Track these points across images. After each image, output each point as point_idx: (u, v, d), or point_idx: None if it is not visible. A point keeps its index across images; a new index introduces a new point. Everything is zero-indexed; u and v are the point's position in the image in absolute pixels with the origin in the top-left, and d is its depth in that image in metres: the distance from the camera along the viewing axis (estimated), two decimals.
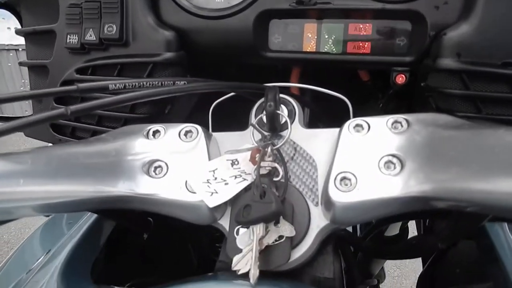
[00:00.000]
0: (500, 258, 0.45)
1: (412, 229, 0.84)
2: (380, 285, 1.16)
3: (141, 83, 0.33)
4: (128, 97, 0.30)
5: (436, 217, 0.56)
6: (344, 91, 0.51)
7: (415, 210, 0.31)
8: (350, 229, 0.77)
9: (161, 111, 0.51)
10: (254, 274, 0.31)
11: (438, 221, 0.59)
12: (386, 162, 0.33)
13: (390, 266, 2.08)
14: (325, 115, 0.55)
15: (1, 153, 0.37)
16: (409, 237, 0.73)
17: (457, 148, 0.29)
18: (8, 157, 0.36)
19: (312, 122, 0.58)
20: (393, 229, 0.72)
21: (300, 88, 0.55)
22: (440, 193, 0.28)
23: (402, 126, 0.34)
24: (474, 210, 0.27)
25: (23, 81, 0.63)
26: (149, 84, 0.33)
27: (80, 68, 0.50)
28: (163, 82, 0.34)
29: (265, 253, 0.34)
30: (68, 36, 0.50)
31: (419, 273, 0.72)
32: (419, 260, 0.74)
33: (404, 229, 0.67)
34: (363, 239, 0.60)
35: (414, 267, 2.03)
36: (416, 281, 0.73)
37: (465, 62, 0.39)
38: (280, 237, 0.35)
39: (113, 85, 0.31)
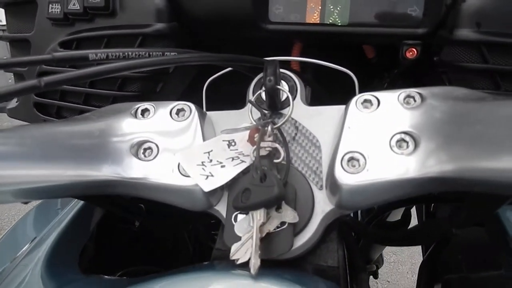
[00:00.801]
0: None
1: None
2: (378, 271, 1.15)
3: (126, 53, 0.29)
4: (110, 67, 0.26)
5: (444, 202, 0.53)
6: (348, 69, 0.48)
7: (435, 191, 0.28)
8: (351, 214, 0.74)
9: (152, 89, 0.48)
10: (254, 263, 0.28)
11: (442, 206, 0.57)
12: (398, 141, 0.29)
13: (387, 252, 2.07)
14: (329, 93, 0.51)
15: None
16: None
17: (482, 121, 0.26)
18: None
19: (315, 101, 0.54)
20: (395, 216, 0.69)
21: (302, 65, 0.52)
22: (463, 173, 0.25)
23: (415, 100, 0.31)
24: (499, 191, 0.24)
25: (4, 57, 0.59)
26: (135, 55, 0.30)
27: (63, 41, 0.47)
28: (151, 53, 0.30)
29: (265, 240, 0.31)
30: (50, 5, 0.46)
31: (416, 260, 0.70)
32: (415, 247, 0.72)
33: (406, 215, 0.65)
34: (367, 225, 0.57)
35: (410, 253, 2.03)
36: (413, 267, 0.71)
37: (485, 32, 0.35)
38: (282, 223, 0.32)
39: (94, 55, 0.28)
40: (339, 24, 0.43)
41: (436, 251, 0.67)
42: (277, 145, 0.35)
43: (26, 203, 0.64)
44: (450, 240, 0.65)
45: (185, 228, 0.69)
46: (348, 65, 0.48)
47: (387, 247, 2.06)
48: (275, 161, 0.35)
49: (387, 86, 0.57)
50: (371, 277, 1.07)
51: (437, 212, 0.62)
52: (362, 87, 0.60)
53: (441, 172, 0.26)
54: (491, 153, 0.24)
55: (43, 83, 0.24)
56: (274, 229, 0.31)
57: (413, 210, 0.81)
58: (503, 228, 0.43)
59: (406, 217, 0.61)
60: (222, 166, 0.34)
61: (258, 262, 0.28)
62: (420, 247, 0.80)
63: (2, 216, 2.50)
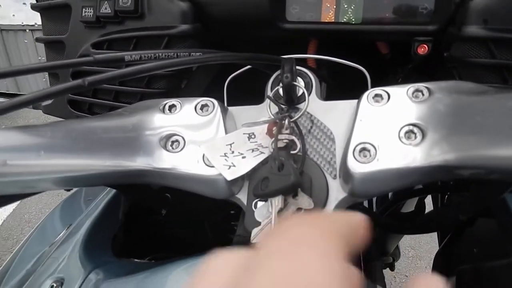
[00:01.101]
0: None
1: (429, 207, 0.83)
2: (395, 264, 1.16)
3: (157, 55, 0.32)
4: (144, 67, 0.30)
5: (454, 191, 0.55)
6: (362, 65, 0.50)
7: (437, 180, 0.30)
8: (366, 204, 0.76)
9: (177, 86, 0.51)
10: None
11: (456, 195, 0.58)
12: (406, 132, 0.32)
13: (405, 247, 2.07)
14: (343, 88, 0.53)
15: (20, 126, 0.37)
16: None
17: (483, 113, 0.28)
18: (27, 129, 0.37)
19: (330, 96, 0.57)
20: (409, 206, 0.71)
21: (317, 62, 0.54)
22: (464, 161, 0.27)
23: (423, 94, 0.33)
24: (500, 177, 0.26)
25: (39, 58, 0.64)
26: (165, 56, 0.33)
27: (96, 43, 0.50)
28: (179, 54, 0.33)
29: None
30: (83, 9, 0.49)
31: (435, 253, 0.72)
32: (434, 241, 0.73)
33: (420, 206, 0.66)
34: (380, 215, 0.60)
35: (429, 248, 2.02)
36: (432, 262, 0.72)
37: (493, 29, 0.37)
38: (299, 209, 0.34)
39: (129, 56, 0.31)
40: (353, 22, 0.45)
41: (450, 242, 0.68)
42: (293, 137, 0.37)
43: (68, 190, 0.68)
44: (464, 231, 0.66)
45: (207, 218, 0.72)
46: (362, 61, 0.50)
47: (405, 241, 2.06)
48: (292, 152, 0.37)
49: (401, 81, 0.59)
50: (388, 270, 1.09)
51: (451, 201, 0.63)
52: (377, 82, 0.62)
53: (444, 161, 0.28)
54: (489, 142, 0.26)
55: (87, 82, 0.28)
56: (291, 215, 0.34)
57: (429, 201, 0.83)
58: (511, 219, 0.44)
59: (420, 207, 0.63)
60: (243, 157, 0.37)
61: None
62: (437, 241, 0.81)
63: (30, 209, 2.60)
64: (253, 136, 0.39)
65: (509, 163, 0.25)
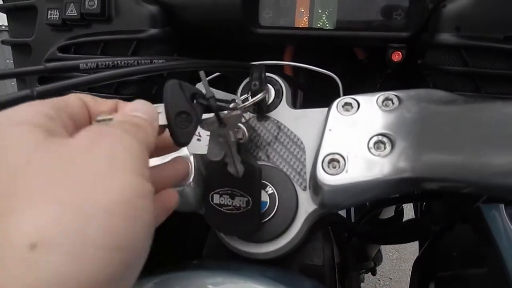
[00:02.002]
0: (496, 242, 0.44)
1: (409, 210, 0.82)
2: (378, 268, 1.15)
3: (116, 62, 0.31)
4: (98, 77, 0.28)
5: (429, 200, 0.54)
6: (340, 71, 0.49)
7: (406, 192, 0.29)
8: (344, 213, 0.75)
9: (147, 92, 0.49)
10: None
11: (435, 203, 0.58)
12: (376, 142, 0.31)
13: (389, 250, 2.08)
14: (320, 96, 0.53)
15: None
16: (404, 219, 0.72)
17: (450, 124, 0.27)
18: None
19: (307, 104, 0.56)
20: (388, 212, 0.71)
21: (294, 69, 0.53)
22: (431, 174, 0.26)
23: (393, 103, 0.32)
24: (467, 191, 0.26)
25: (7, 60, 0.61)
26: (124, 63, 0.31)
27: (62, 46, 0.48)
28: (140, 61, 0.32)
29: (232, 219, 0.33)
30: (49, 11, 0.47)
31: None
32: (417, 244, 0.73)
33: (399, 212, 0.66)
34: (356, 224, 0.59)
35: (413, 250, 2.03)
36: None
37: (465, 36, 0.36)
38: (247, 203, 0.33)
39: (85, 65, 0.29)
40: (327, 28, 0.44)
41: (430, 247, 0.67)
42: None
43: None
44: (444, 236, 0.66)
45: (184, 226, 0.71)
46: (341, 67, 0.50)
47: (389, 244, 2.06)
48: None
49: (380, 86, 0.59)
50: (370, 274, 1.09)
51: (430, 209, 0.63)
52: (355, 88, 0.61)
53: (410, 173, 0.27)
54: (455, 155, 0.25)
55: (36, 92, 0.26)
56: (239, 210, 0.33)
57: (410, 206, 0.82)
58: (486, 226, 0.44)
59: (399, 214, 0.62)
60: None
61: None
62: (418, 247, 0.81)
63: None
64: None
65: (474, 177, 0.25)
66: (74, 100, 0.23)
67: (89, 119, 0.23)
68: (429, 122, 0.29)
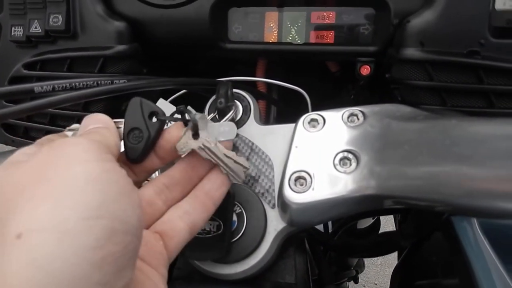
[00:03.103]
0: (465, 251, 0.44)
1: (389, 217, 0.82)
2: (363, 273, 1.15)
3: (73, 84, 0.30)
4: (55, 100, 0.27)
5: (401, 213, 0.54)
6: (312, 84, 0.49)
7: (374, 208, 0.29)
8: (321, 226, 0.75)
9: (117, 108, 0.48)
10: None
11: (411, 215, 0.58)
12: (341, 159, 0.31)
13: None
14: (293, 110, 0.52)
15: None
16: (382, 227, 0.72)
17: (410, 141, 0.27)
18: None
19: (281, 119, 0.55)
20: (366, 221, 0.71)
21: (268, 85, 0.53)
22: (391, 192, 0.26)
23: (358, 119, 0.32)
24: (427, 208, 0.26)
25: None
26: (83, 85, 0.30)
27: (28, 63, 0.47)
28: (100, 82, 0.31)
29: (199, 245, 0.32)
30: (13, 28, 0.46)
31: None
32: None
33: (375, 222, 0.66)
34: (332, 236, 0.59)
35: (396, 255, 2.05)
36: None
37: (429, 51, 0.37)
38: (218, 228, 0.32)
39: (40, 88, 0.28)
40: (297, 42, 0.45)
41: (408, 257, 0.68)
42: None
43: None
44: (422, 244, 0.66)
45: None
46: (312, 81, 0.50)
47: None
48: None
49: (353, 98, 0.59)
50: (352, 282, 1.09)
51: (406, 220, 0.64)
52: (330, 100, 0.62)
53: (372, 190, 0.27)
54: (414, 172, 0.26)
55: None
56: (209, 234, 0.32)
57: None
58: (456, 236, 0.44)
59: (375, 223, 0.62)
60: None
61: None
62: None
63: None
64: None
65: (432, 194, 0.25)
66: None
67: None
68: (390, 139, 0.29)
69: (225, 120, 0.36)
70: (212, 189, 0.29)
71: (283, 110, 0.54)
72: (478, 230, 0.44)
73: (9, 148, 0.53)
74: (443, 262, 0.60)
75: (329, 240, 0.53)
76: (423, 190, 0.25)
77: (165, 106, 0.37)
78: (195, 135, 0.28)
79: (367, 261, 1.91)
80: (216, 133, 0.29)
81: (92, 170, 0.20)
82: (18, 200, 0.19)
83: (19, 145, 0.53)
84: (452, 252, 0.47)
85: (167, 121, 0.29)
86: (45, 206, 0.18)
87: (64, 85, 0.29)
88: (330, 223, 0.71)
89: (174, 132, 0.28)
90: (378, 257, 2.09)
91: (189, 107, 0.30)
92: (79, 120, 0.47)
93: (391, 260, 2.09)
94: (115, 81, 0.31)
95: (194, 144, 0.27)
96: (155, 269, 0.25)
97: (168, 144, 0.28)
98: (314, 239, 0.51)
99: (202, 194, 0.29)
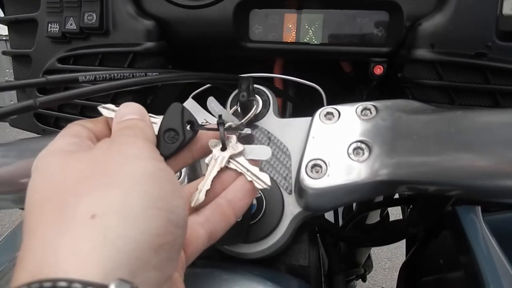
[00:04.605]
0: (471, 246, 0.46)
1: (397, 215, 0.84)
2: (370, 276, 1.17)
3: (112, 75, 0.33)
4: (97, 88, 0.30)
5: (406, 204, 0.57)
6: (327, 83, 0.51)
7: (384, 194, 0.32)
8: (332, 219, 0.78)
9: (142, 101, 0.51)
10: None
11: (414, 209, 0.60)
12: (355, 149, 0.33)
13: (381, 259, 2.10)
14: (308, 106, 0.55)
15: None
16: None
17: (419, 132, 0.30)
18: None
19: (296, 113, 0.58)
20: (374, 217, 0.73)
21: (284, 81, 0.56)
22: (401, 176, 0.29)
23: (371, 113, 0.35)
24: (434, 191, 0.28)
25: (7, 70, 0.63)
26: (121, 76, 0.34)
27: (62, 58, 0.50)
28: (135, 74, 0.34)
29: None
30: (49, 25, 0.50)
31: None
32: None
33: (384, 216, 0.68)
34: (342, 229, 0.61)
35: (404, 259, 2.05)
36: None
37: (439, 52, 0.39)
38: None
39: (83, 77, 0.32)
40: (314, 42, 0.47)
41: (416, 254, 0.70)
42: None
43: (22, 209, 0.67)
44: (429, 242, 0.68)
45: None
46: (328, 79, 0.52)
47: (381, 253, 2.08)
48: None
49: (366, 97, 0.61)
50: (364, 281, 1.10)
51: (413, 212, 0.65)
52: (342, 98, 0.64)
53: (384, 176, 0.30)
54: (422, 158, 0.28)
55: (38, 103, 0.28)
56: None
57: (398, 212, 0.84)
58: (462, 230, 0.46)
59: (384, 218, 0.64)
60: None
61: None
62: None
63: (3, 222, 2.53)
64: None
65: (440, 178, 0.27)
66: (99, 122, 0.30)
67: (109, 132, 0.29)
68: (400, 130, 0.31)
69: (250, 115, 0.38)
70: (236, 198, 0.29)
71: (299, 106, 0.57)
72: (483, 223, 0.46)
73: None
74: (448, 259, 0.62)
75: (339, 231, 0.56)
76: (429, 175, 0.28)
77: (192, 105, 0.39)
78: (223, 148, 0.30)
79: (375, 264, 1.92)
80: (250, 151, 0.31)
81: (149, 167, 0.23)
82: (85, 187, 0.21)
83: (48, 134, 0.56)
84: (457, 244, 0.49)
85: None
86: (115, 193, 0.20)
87: (105, 75, 0.32)
88: (340, 218, 0.73)
89: (205, 142, 0.31)
90: (386, 262, 2.10)
91: (224, 116, 0.33)
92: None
93: (399, 264, 2.09)
94: (148, 73, 0.34)
95: (222, 154, 0.30)
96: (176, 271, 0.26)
97: (199, 149, 0.31)
98: (325, 230, 0.53)
99: (225, 202, 0.29)
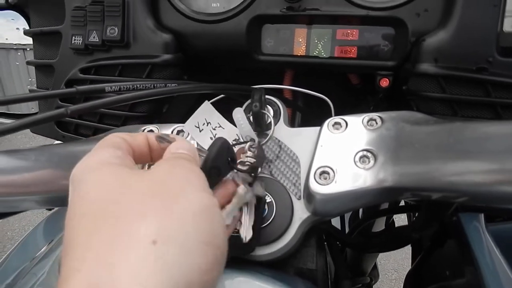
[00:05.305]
0: (475, 255, 0.47)
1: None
2: (376, 286, 1.18)
3: (135, 86, 0.36)
4: (122, 98, 0.33)
5: (413, 211, 0.58)
6: (335, 94, 0.54)
7: (389, 201, 0.34)
8: (338, 226, 0.79)
9: (159, 110, 0.54)
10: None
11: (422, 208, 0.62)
12: (361, 157, 0.35)
13: (388, 270, 2.09)
14: (316, 116, 0.57)
15: (7, 150, 0.40)
16: None
17: (423, 141, 0.32)
18: (14, 153, 0.39)
19: (304, 123, 0.60)
20: (380, 225, 0.75)
21: (293, 92, 0.58)
22: (405, 183, 0.31)
23: (376, 123, 0.37)
24: (436, 197, 0.30)
25: (29, 79, 0.67)
26: (143, 86, 0.36)
27: (83, 68, 0.53)
28: (156, 85, 0.37)
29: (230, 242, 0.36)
30: (73, 37, 0.53)
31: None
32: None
33: (390, 224, 0.69)
34: (349, 235, 0.63)
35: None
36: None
37: (442, 67, 0.41)
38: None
39: (109, 88, 0.34)
40: (323, 56, 0.50)
41: (421, 263, 0.71)
42: (254, 160, 0.40)
43: (50, 209, 0.70)
44: (434, 251, 0.69)
45: None
46: (336, 91, 0.54)
47: (388, 264, 2.08)
48: (252, 174, 0.40)
49: (373, 108, 0.63)
50: None
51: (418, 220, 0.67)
52: (350, 110, 0.66)
53: (388, 183, 0.32)
54: (423, 167, 0.30)
55: (69, 111, 0.31)
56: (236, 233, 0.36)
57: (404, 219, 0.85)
58: (466, 238, 0.47)
59: (389, 226, 0.66)
60: None
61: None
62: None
63: (13, 227, 2.57)
64: None
65: (440, 184, 0.29)
66: (139, 138, 0.29)
67: (148, 150, 0.29)
68: (404, 140, 0.33)
69: (264, 124, 0.41)
70: None
71: (307, 115, 0.59)
72: (486, 231, 0.48)
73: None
74: (453, 268, 0.63)
75: (345, 237, 0.57)
76: (431, 181, 0.30)
77: (209, 108, 0.42)
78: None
79: (381, 275, 1.92)
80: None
81: (206, 200, 0.23)
82: (147, 209, 0.21)
83: (68, 141, 0.59)
84: (461, 253, 0.50)
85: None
86: (176, 222, 0.21)
87: (128, 86, 0.35)
88: (346, 225, 0.75)
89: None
90: (392, 273, 2.09)
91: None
92: (125, 120, 0.53)
93: (405, 275, 2.08)
94: (167, 84, 0.37)
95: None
96: None
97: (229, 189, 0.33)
98: (332, 237, 0.55)
99: None
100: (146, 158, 0.30)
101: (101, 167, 0.24)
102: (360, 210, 0.82)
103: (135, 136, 0.29)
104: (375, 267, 1.03)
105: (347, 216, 0.84)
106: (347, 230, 0.79)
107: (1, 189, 0.35)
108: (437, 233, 0.55)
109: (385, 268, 2.06)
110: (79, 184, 0.24)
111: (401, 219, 1.01)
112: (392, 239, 0.52)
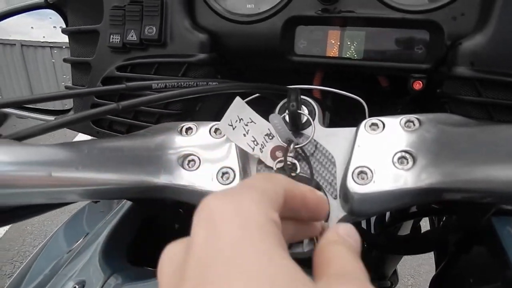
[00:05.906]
0: (510, 259, 0.47)
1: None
2: None
3: (179, 83, 0.37)
4: (169, 95, 0.34)
5: (444, 214, 0.58)
6: (364, 96, 0.54)
7: (428, 202, 0.34)
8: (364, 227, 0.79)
9: (192, 108, 0.55)
10: None
11: (450, 218, 0.62)
12: (399, 158, 0.36)
13: (404, 275, 2.07)
14: (345, 117, 0.58)
15: (62, 142, 0.42)
16: None
17: (463, 142, 0.32)
18: (68, 146, 0.41)
19: (333, 124, 0.61)
20: (405, 229, 0.74)
21: (322, 92, 0.59)
22: (447, 184, 0.31)
23: (414, 125, 0.37)
24: (478, 199, 0.30)
25: (64, 76, 0.69)
26: (186, 84, 0.38)
27: (120, 66, 0.55)
28: (197, 83, 0.38)
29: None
30: (111, 36, 0.55)
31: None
32: (433, 271, 0.76)
33: (416, 229, 0.69)
34: (376, 236, 0.63)
35: (428, 277, 2.01)
36: None
37: (478, 70, 0.41)
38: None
39: (156, 85, 0.36)
40: (355, 58, 0.50)
41: (446, 267, 0.70)
42: (296, 161, 0.41)
43: (96, 202, 0.72)
44: (460, 257, 0.69)
45: None
46: (364, 93, 0.55)
47: (404, 270, 2.06)
48: (292, 174, 0.41)
49: (400, 111, 0.64)
50: None
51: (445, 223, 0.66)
52: (378, 112, 0.67)
53: (430, 184, 0.32)
54: (467, 167, 0.31)
55: (121, 106, 0.32)
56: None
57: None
58: (499, 243, 0.47)
59: (416, 230, 0.66)
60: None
61: None
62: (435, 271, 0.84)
63: (32, 221, 2.63)
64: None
65: (483, 185, 0.29)
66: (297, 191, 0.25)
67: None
68: (445, 141, 0.34)
69: (300, 123, 0.42)
70: None
71: (334, 117, 0.60)
72: None
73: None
74: (479, 276, 0.63)
75: (372, 237, 0.58)
76: (474, 183, 0.30)
77: (241, 103, 0.42)
78: None
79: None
80: None
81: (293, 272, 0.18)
82: (225, 266, 0.17)
83: (102, 137, 0.61)
84: (496, 261, 0.50)
85: None
86: None
87: (173, 83, 0.36)
88: (372, 227, 0.75)
89: None
90: (408, 278, 2.08)
91: None
92: (159, 117, 0.55)
93: (422, 282, 2.06)
94: (209, 83, 0.38)
95: None
96: None
97: None
98: (361, 237, 0.55)
99: None
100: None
101: (242, 242, 0.18)
102: (387, 214, 0.82)
103: (293, 198, 0.24)
104: (395, 272, 1.03)
105: (372, 219, 0.84)
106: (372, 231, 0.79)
107: (57, 181, 0.36)
108: (462, 239, 0.55)
109: (402, 274, 2.04)
110: (207, 234, 0.19)
111: (425, 227, 1.01)
112: (419, 242, 0.52)
